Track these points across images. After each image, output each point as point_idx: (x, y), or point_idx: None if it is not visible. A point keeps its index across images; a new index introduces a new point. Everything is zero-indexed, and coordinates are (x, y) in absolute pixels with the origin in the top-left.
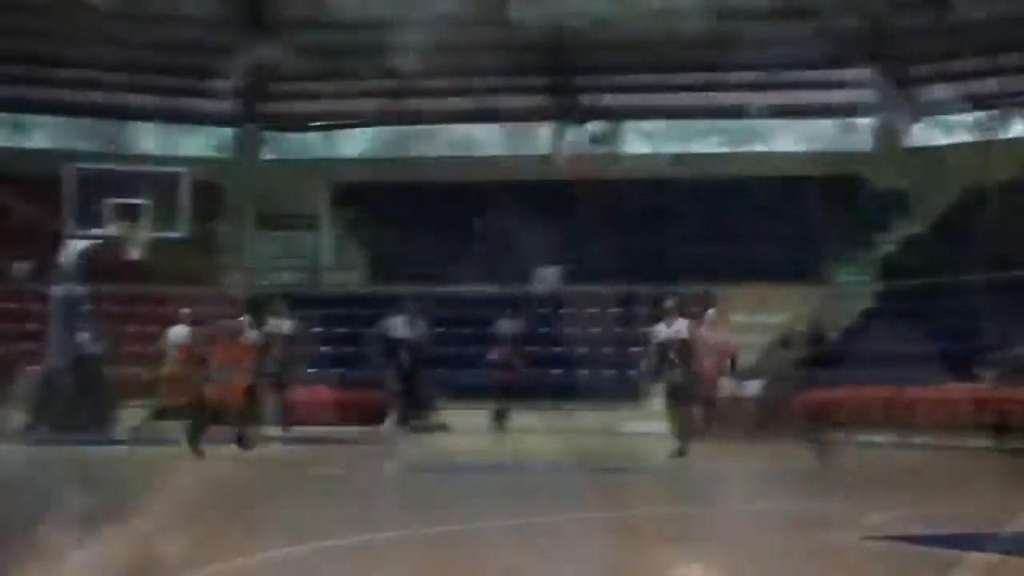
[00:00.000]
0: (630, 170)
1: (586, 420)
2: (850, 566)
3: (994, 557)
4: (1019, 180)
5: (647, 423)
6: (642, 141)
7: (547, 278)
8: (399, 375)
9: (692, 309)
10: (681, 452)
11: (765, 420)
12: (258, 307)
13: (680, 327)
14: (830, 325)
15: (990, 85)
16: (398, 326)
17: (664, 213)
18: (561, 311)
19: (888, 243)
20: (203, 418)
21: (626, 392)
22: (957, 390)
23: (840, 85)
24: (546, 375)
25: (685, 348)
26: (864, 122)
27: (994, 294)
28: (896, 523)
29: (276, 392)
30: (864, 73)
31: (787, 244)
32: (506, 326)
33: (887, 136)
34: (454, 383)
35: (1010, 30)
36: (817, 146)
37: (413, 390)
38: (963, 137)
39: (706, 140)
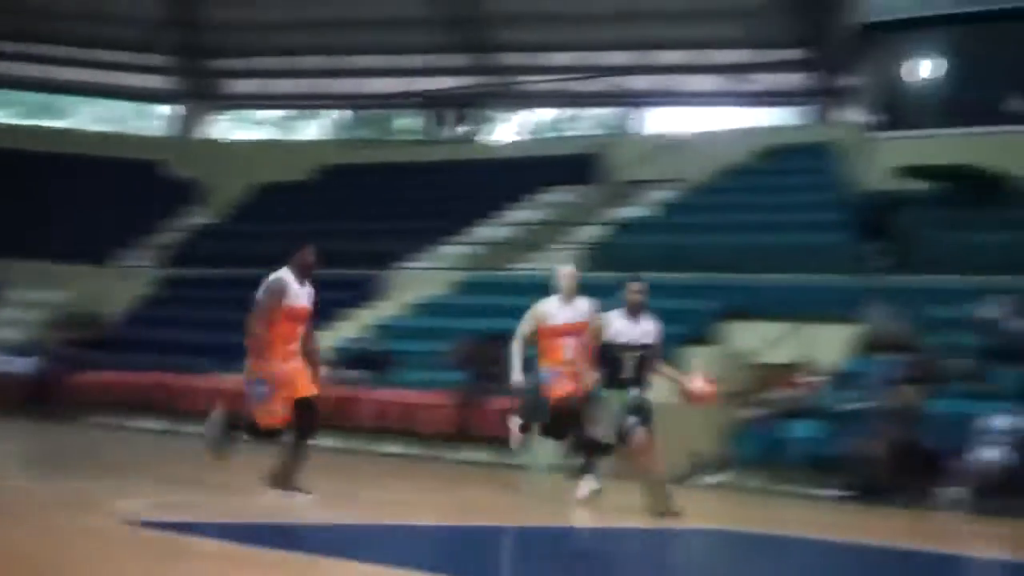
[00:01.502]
0: None
1: None
2: (94, 549)
3: (227, 545)
4: (307, 181)
5: None
6: None
7: None
8: None
9: None
10: (667, 508)
11: (36, 398)
12: None
13: (650, 328)
14: (108, 307)
15: (289, 85)
16: None
17: None
18: None
19: (176, 231)
20: None
21: None
22: (218, 380)
23: (142, 69)
24: None
25: (650, 359)
26: (163, 109)
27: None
28: (146, 508)
29: None
30: (168, 60)
31: (72, 222)
32: None
33: (184, 125)
34: None
35: (314, 36)
36: (114, 127)
37: None
38: (259, 133)
39: (8, 111)
